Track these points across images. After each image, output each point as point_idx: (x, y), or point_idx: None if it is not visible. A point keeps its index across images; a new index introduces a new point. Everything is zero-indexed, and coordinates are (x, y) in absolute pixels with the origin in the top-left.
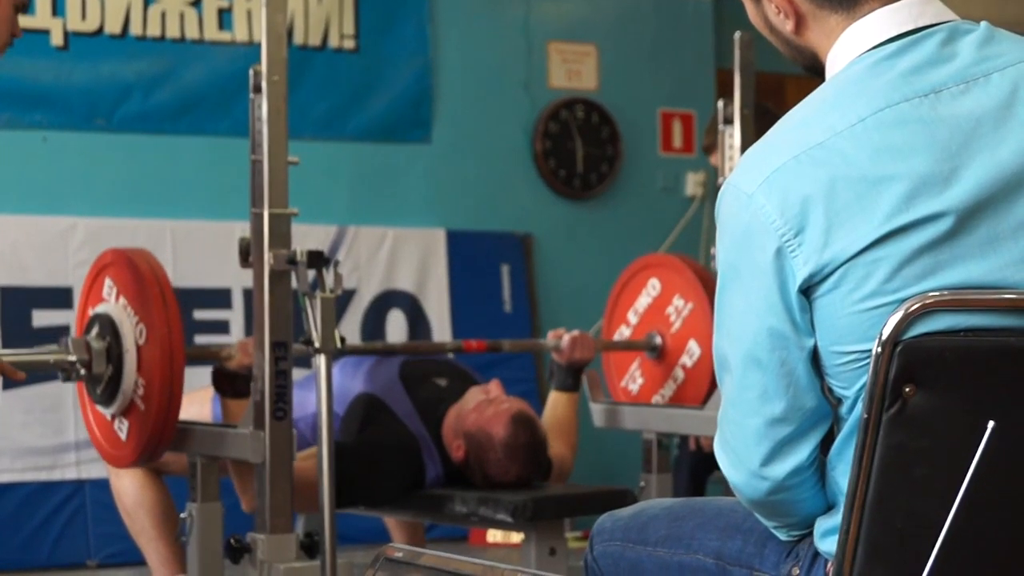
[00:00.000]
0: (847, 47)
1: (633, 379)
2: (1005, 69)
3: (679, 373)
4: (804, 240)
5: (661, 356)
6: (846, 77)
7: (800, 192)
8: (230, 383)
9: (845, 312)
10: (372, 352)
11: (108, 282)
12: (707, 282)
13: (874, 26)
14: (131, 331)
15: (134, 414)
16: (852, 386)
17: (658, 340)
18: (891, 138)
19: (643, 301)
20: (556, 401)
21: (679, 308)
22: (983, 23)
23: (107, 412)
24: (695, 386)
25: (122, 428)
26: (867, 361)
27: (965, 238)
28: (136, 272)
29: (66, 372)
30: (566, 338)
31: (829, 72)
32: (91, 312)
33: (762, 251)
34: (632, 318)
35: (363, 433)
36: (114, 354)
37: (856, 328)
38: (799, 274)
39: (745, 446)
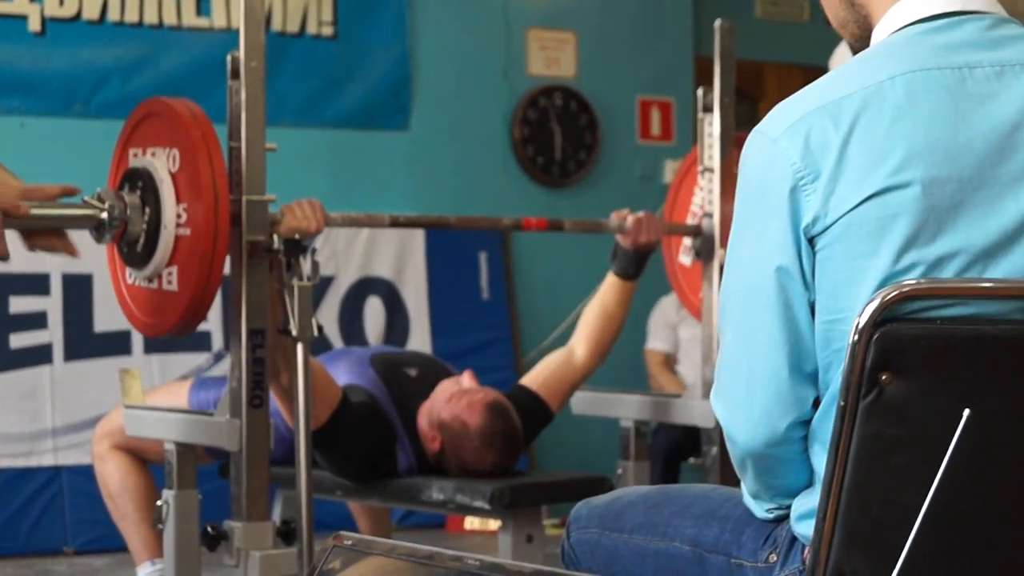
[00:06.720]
0: (895, 17)
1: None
2: None
3: None
4: (818, 187)
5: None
6: (885, 44)
7: (821, 139)
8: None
9: (840, 268)
10: None
11: (147, 134)
12: None
13: (923, 0)
14: (170, 185)
15: (173, 277)
16: (826, 349)
17: None
18: (915, 101)
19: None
20: (610, 286)
21: None
22: None
23: (140, 275)
24: None
25: (160, 291)
26: (845, 332)
27: (965, 206)
28: (179, 124)
29: (98, 230)
30: (631, 219)
31: (874, 41)
32: (128, 166)
33: (778, 189)
34: (695, 208)
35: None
36: (152, 211)
37: (842, 287)
38: (808, 215)
39: (747, 392)
